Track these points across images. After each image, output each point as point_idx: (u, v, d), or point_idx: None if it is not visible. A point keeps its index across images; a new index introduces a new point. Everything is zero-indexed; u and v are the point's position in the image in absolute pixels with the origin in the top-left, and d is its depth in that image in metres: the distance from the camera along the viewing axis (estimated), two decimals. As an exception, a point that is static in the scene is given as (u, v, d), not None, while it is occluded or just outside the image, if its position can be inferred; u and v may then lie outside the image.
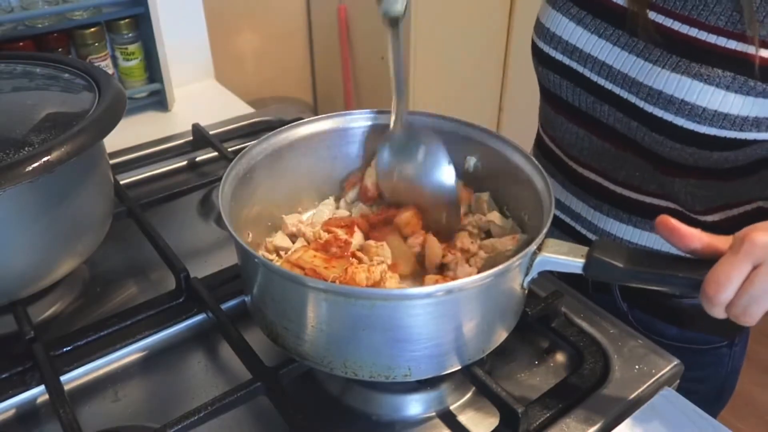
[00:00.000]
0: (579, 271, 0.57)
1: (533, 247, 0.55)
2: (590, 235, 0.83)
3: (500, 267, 0.53)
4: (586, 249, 0.57)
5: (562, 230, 0.86)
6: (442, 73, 1.97)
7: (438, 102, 1.99)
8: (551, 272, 0.65)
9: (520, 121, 1.95)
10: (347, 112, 0.74)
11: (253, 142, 0.68)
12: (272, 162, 0.70)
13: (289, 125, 0.72)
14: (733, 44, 0.65)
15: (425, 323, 0.54)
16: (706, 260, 0.52)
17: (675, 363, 0.65)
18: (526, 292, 0.62)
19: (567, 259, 0.57)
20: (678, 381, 0.65)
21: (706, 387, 0.84)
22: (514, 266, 0.55)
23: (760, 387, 1.92)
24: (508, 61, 2.11)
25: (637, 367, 0.64)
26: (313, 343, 0.56)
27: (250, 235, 0.68)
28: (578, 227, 0.85)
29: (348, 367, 0.56)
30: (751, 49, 0.64)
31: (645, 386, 0.62)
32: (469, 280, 0.53)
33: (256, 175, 0.68)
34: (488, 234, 0.71)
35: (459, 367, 0.58)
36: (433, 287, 0.55)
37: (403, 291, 0.57)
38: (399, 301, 0.53)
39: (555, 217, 0.87)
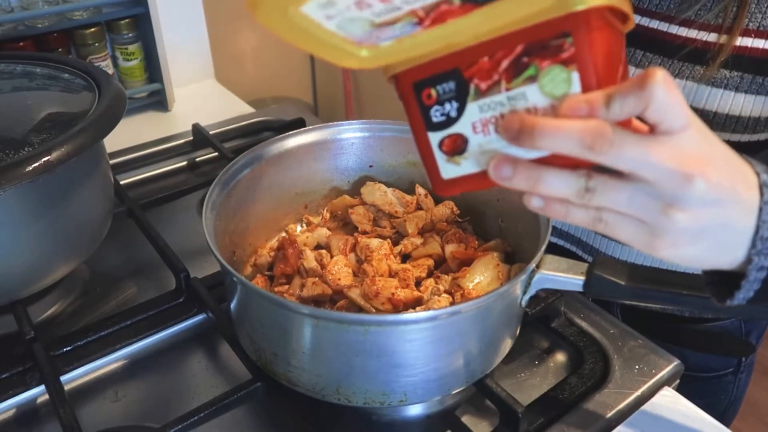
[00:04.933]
0: (579, 289, 0.56)
1: (532, 265, 0.55)
2: (591, 260, 0.81)
3: (499, 289, 0.53)
4: (586, 266, 0.56)
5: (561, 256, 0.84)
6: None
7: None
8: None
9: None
10: (335, 123, 0.74)
11: (237, 158, 0.68)
12: (258, 177, 0.69)
13: (274, 138, 0.71)
14: (736, 41, 0.63)
15: (422, 348, 0.53)
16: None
17: (675, 363, 0.65)
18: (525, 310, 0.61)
19: (566, 276, 0.57)
20: (678, 381, 0.65)
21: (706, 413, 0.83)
22: (513, 287, 0.55)
23: (761, 388, 1.92)
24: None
25: (637, 367, 0.64)
26: (304, 370, 0.56)
27: (236, 254, 0.68)
28: (578, 251, 0.83)
29: (341, 393, 0.56)
30: (746, 41, 0.62)
31: (645, 386, 0.62)
32: (467, 304, 0.53)
33: (241, 191, 0.67)
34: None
35: (456, 390, 0.58)
36: (429, 312, 0.54)
37: (398, 316, 0.56)
38: (394, 327, 0.52)
39: (553, 243, 0.86)
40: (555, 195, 0.40)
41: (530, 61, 0.39)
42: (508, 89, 0.40)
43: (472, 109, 0.41)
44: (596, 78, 0.38)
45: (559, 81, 0.38)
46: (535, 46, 0.38)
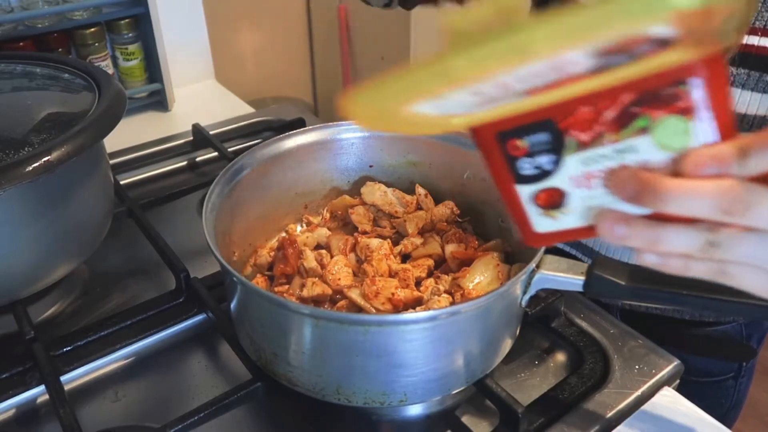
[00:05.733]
0: (579, 289, 0.56)
1: (532, 265, 0.55)
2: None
3: (499, 289, 0.53)
4: (586, 266, 0.56)
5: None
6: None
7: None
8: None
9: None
10: (336, 123, 0.73)
11: (237, 158, 0.68)
12: (258, 177, 0.69)
13: (274, 138, 0.71)
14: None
15: (422, 348, 0.53)
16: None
17: (675, 363, 0.65)
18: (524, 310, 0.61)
19: (566, 276, 0.57)
20: (678, 381, 0.65)
21: None
22: (513, 287, 0.55)
23: (761, 388, 1.92)
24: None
25: (637, 367, 0.64)
26: (304, 370, 0.56)
27: (236, 254, 0.68)
28: (577, 254, 0.82)
29: (341, 393, 0.56)
30: (753, 40, 0.62)
31: (645, 386, 0.62)
32: (467, 304, 0.53)
33: (241, 192, 0.67)
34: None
35: (456, 390, 0.58)
36: (429, 312, 0.54)
37: (398, 316, 0.56)
38: (394, 327, 0.52)
39: (552, 246, 0.86)
40: (675, 252, 0.37)
41: (640, 112, 0.34)
42: (615, 141, 0.36)
43: (572, 162, 0.38)
44: (721, 128, 0.34)
45: (677, 133, 0.34)
46: (646, 96, 0.34)
